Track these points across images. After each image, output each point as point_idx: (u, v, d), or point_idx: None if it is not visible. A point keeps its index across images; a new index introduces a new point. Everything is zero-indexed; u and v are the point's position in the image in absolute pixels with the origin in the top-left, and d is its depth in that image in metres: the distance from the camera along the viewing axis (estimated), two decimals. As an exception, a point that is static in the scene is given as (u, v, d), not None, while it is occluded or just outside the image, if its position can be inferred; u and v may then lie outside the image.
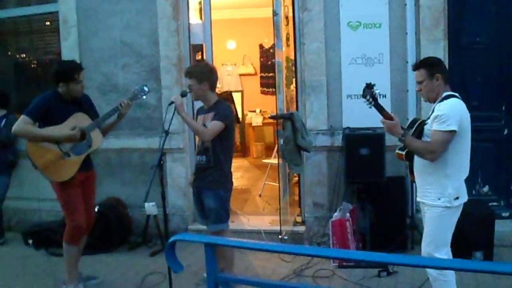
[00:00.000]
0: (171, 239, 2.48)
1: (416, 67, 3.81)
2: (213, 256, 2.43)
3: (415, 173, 3.83)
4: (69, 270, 4.69)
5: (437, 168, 3.61)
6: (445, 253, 3.66)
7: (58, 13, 6.44)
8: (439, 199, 3.61)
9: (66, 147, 4.46)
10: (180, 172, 6.04)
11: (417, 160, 3.77)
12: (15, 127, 4.40)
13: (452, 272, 3.63)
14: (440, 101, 3.66)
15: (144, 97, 4.81)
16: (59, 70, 4.55)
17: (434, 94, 3.72)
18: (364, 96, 3.73)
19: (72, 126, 4.46)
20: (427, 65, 3.76)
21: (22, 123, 4.35)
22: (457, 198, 3.61)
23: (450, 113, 3.52)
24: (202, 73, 4.48)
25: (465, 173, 3.70)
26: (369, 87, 3.71)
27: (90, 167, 4.77)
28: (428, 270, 3.68)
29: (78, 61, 6.09)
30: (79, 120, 4.53)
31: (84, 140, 4.51)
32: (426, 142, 3.66)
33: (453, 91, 3.75)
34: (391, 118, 3.68)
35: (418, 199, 3.85)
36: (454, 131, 3.51)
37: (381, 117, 3.72)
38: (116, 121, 4.76)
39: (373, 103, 3.69)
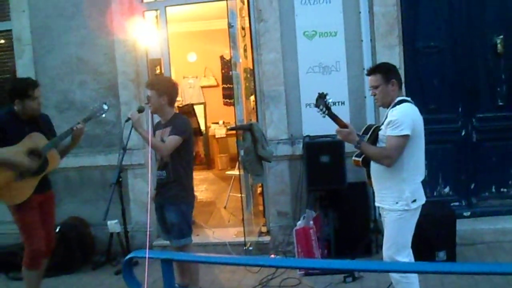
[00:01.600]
0: (128, 256, 2.45)
1: (371, 71, 3.83)
2: (170, 272, 2.41)
3: (372, 178, 3.87)
4: None
5: (393, 172, 3.65)
6: (406, 255, 3.69)
7: (11, 31, 6.33)
8: (397, 203, 3.65)
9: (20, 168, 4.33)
10: (142, 188, 5.98)
11: (373, 165, 3.81)
12: None
13: (415, 274, 3.66)
14: (393, 107, 3.71)
15: (104, 115, 4.74)
16: (13, 87, 4.46)
17: (388, 99, 3.76)
18: (317, 105, 3.77)
19: (28, 148, 4.32)
20: (383, 70, 3.80)
21: None
22: (414, 200, 3.65)
23: (403, 118, 3.57)
24: (164, 87, 4.46)
25: (421, 175, 3.75)
26: (321, 96, 3.75)
27: (48, 188, 4.64)
28: (391, 273, 3.71)
29: (34, 79, 6.02)
30: (35, 140, 4.39)
31: (40, 161, 4.38)
32: (381, 148, 3.70)
33: (410, 95, 3.83)
34: (345, 126, 3.74)
35: (376, 204, 3.89)
36: (408, 135, 3.56)
37: (336, 127, 3.76)
38: (72, 143, 4.63)
39: (326, 112, 3.73)
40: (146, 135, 4.38)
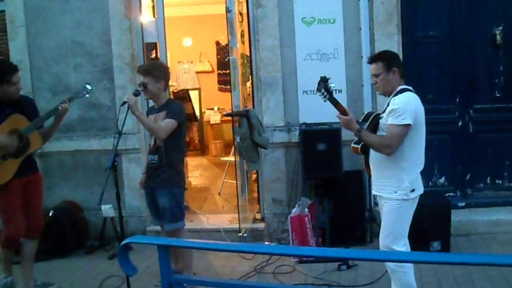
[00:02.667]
0: (124, 241, 2.42)
1: (372, 59, 3.79)
2: (167, 258, 2.39)
3: (371, 166, 3.85)
4: (4, 266, 4.63)
5: (393, 161, 3.63)
6: (403, 245, 3.69)
7: (4, 12, 6.23)
8: (395, 192, 3.63)
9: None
10: (136, 172, 5.93)
11: (372, 153, 3.78)
12: None
13: (411, 263, 3.66)
14: (395, 95, 3.68)
15: (87, 95, 4.70)
16: None
17: (390, 87, 3.73)
18: (318, 89, 3.72)
19: (9, 130, 4.33)
20: (385, 58, 3.76)
21: None
22: (413, 190, 3.64)
23: (405, 106, 3.54)
24: (160, 72, 4.47)
25: (421, 165, 3.73)
26: (323, 80, 3.70)
27: (33, 170, 4.63)
28: (387, 263, 3.71)
29: (28, 62, 5.96)
30: (16, 121, 4.39)
31: (22, 142, 4.39)
32: (382, 136, 3.67)
33: (408, 84, 3.77)
34: (345, 112, 3.70)
35: (374, 192, 3.88)
36: (409, 124, 3.54)
37: (336, 112, 3.73)
38: (55, 123, 4.61)
39: (327, 96, 3.69)
40: (143, 118, 4.36)
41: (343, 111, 3.71)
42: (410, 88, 3.73)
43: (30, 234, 4.64)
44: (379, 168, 3.77)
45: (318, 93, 3.73)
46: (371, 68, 3.81)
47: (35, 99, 6.05)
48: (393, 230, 3.69)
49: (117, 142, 4.15)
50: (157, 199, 4.50)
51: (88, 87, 4.60)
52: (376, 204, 5.29)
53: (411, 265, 3.69)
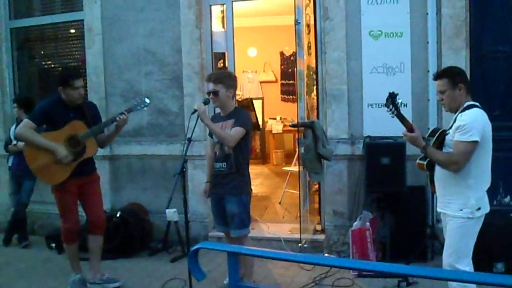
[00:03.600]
0: (195, 247, 2.52)
1: (437, 76, 3.78)
2: (235, 265, 2.47)
3: (436, 183, 3.82)
4: (71, 264, 4.98)
5: (459, 178, 3.61)
6: (466, 264, 3.64)
7: (83, 21, 6.57)
8: (461, 210, 3.60)
9: None
10: (201, 179, 6.05)
11: (438, 170, 3.76)
12: (17, 130, 4.75)
13: (474, 285, 3.57)
14: (461, 111, 3.65)
15: (145, 108, 4.99)
16: (58, 75, 4.89)
17: (456, 104, 3.71)
18: (387, 105, 3.74)
19: (68, 134, 4.65)
20: (450, 74, 3.73)
21: (23, 127, 4.64)
22: (479, 208, 3.59)
23: (473, 123, 3.52)
24: (231, 80, 4.61)
25: (487, 183, 3.69)
26: (392, 96, 3.73)
27: (90, 172, 4.93)
28: (450, 282, 3.65)
29: (102, 68, 6.27)
30: (76, 127, 4.69)
31: (78, 147, 4.68)
32: (448, 153, 3.65)
33: (475, 100, 3.74)
34: (411, 128, 3.71)
35: (438, 209, 3.84)
36: (477, 141, 3.51)
37: (403, 128, 3.74)
38: (114, 132, 4.92)
39: (395, 112, 3.71)
40: (213, 126, 4.48)
41: (409, 128, 3.72)
42: (477, 104, 3.69)
43: (93, 231, 4.95)
44: (444, 184, 3.74)
45: (386, 109, 3.75)
46: (436, 85, 3.79)
47: (107, 103, 6.37)
48: (457, 248, 3.64)
49: (187, 148, 4.30)
50: (225, 205, 4.58)
51: (147, 100, 4.89)
52: (438, 221, 5.22)
53: (474, 286, 3.61)
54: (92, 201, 4.92)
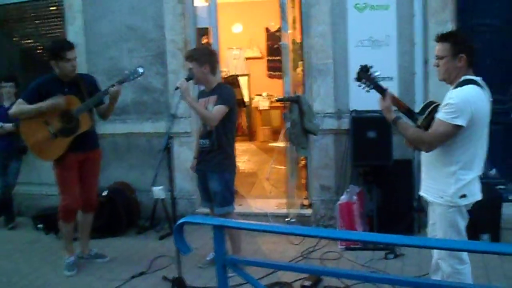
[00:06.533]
0: (180, 221, 2.50)
1: (439, 38, 3.30)
2: (221, 238, 2.45)
3: (421, 163, 3.53)
4: (66, 244, 4.93)
5: (441, 164, 3.29)
6: (458, 262, 3.33)
7: (63, -2, 6.43)
8: (441, 197, 3.30)
9: (54, 128, 4.62)
10: (187, 156, 6.05)
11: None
12: (11, 110, 4.70)
13: (469, 269, 3.39)
14: (456, 86, 3.24)
15: (138, 78, 4.82)
16: (48, 48, 4.78)
17: (452, 75, 3.29)
18: (358, 79, 3.46)
19: (61, 111, 4.60)
20: (454, 40, 3.26)
21: (16, 105, 4.64)
22: (464, 196, 3.25)
23: (461, 104, 3.11)
24: (203, 56, 4.52)
25: (476, 171, 3.29)
26: (363, 69, 3.43)
27: (91, 148, 4.87)
28: (443, 265, 3.40)
29: (84, 46, 6.15)
30: (70, 102, 4.62)
31: (72, 122, 4.62)
32: (420, 130, 3.31)
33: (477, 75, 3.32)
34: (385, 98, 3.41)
35: (420, 192, 3.56)
36: (461, 126, 3.12)
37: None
38: (109, 105, 4.81)
39: (371, 86, 3.43)
40: (195, 105, 4.44)
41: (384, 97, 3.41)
42: (477, 79, 3.26)
43: (85, 209, 4.95)
44: (427, 167, 3.43)
45: (357, 84, 3.47)
46: (436, 48, 3.33)
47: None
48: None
49: (171, 125, 4.25)
50: (208, 182, 4.57)
51: (140, 70, 4.70)
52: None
53: (469, 271, 3.37)
54: (89, 180, 4.90)
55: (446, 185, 3.26)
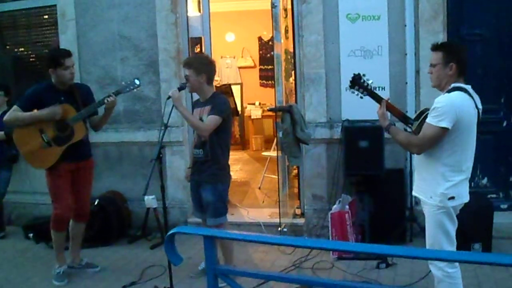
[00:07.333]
0: (171, 231, 2.49)
1: (434, 47, 3.50)
2: (212, 249, 2.44)
3: (414, 165, 3.75)
4: (57, 254, 4.91)
5: (431, 165, 3.44)
6: (448, 265, 3.40)
7: (56, 7, 6.42)
8: (431, 197, 3.43)
9: (48, 137, 4.62)
10: (179, 165, 6.04)
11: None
12: (5, 117, 4.66)
13: (459, 274, 3.46)
14: (445, 93, 3.43)
15: (135, 90, 4.83)
16: (47, 56, 4.79)
17: (442, 82, 3.47)
18: (351, 87, 3.63)
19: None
20: (446, 50, 3.46)
21: (12, 112, 4.62)
22: (452, 198, 3.38)
23: (446, 108, 3.28)
24: (201, 65, 4.46)
25: (465, 173, 3.44)
26: (356, 78, 3.61)
27: (84, 157, 4.86)
28: (434, 271, 3.47)
29: (77, 55, 6.15)
30: (65, 111, 4.61)
31: (66, 131, 4.62)
32: (409, 134, 3.54)
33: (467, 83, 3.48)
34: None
35: (413, 192, 3.71)
36: (446, 128, 3.28)
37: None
38: (104, 115, 4.82)
39: (365, 93, 3.61)
40: (187, 114, 4.42)
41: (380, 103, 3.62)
42: (466, 87, 3.43)
43: (77, 218, 4.92)
44: (419, 168, 3.61)
45: (350, 91, 3.67)
46: (431, 57, 3.53)
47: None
48: (435, 241, 3.46)
49: (163, 135, 4.24)
50: (201, 193, 4.54)
51: (137, 82, 4.71)
52: (417, 203, 5.25)
53: (459, 275, 3.45)
54: (81, 190, 4.88)
55: (436, 185, 3.42)
